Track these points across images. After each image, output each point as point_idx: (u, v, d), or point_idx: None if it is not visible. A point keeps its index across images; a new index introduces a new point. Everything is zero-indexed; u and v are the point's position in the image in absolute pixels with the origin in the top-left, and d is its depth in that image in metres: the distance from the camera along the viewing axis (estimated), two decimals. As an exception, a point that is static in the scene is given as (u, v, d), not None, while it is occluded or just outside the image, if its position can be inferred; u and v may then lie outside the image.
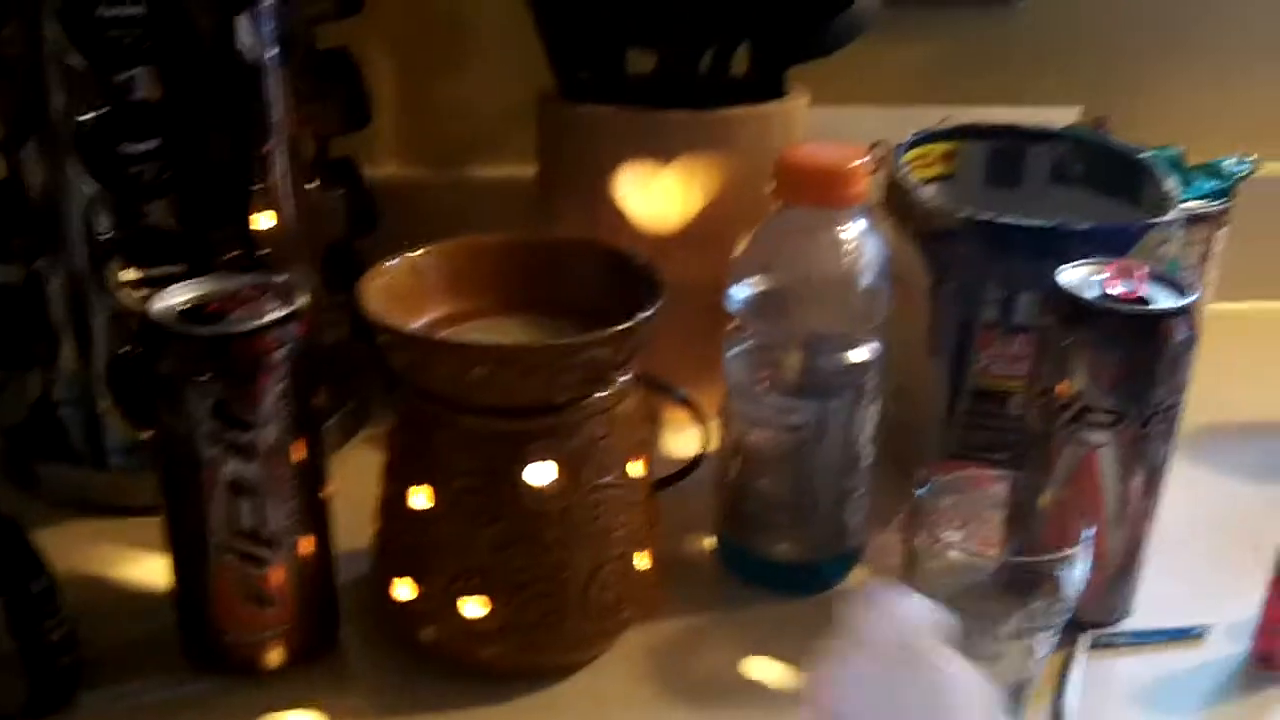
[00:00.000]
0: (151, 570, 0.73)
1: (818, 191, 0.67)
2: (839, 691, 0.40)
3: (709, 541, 0.76)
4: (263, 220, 0.77)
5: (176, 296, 0.61)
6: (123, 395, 0.75)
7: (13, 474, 0.81)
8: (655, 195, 0.83)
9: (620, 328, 0.61)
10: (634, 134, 0.83)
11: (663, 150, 0.83)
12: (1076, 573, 0.57)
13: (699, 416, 0.77)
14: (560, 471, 0.62)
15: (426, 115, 0.99)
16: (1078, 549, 0.57)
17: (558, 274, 0.69)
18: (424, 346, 0.60)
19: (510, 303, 0.68)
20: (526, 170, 0.95)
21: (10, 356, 0.81)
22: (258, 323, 0.59)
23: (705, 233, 0.83)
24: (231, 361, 0.58)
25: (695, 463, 0.76)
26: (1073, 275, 0.65)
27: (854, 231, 0.68)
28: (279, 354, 0.59)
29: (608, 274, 0.69)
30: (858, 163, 0.67)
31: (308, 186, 0.81)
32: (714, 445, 0.76)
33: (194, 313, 0.60)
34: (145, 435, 0.77)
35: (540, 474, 0.62)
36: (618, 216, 0.83)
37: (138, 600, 0.71)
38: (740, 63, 0.87)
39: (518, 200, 0.91)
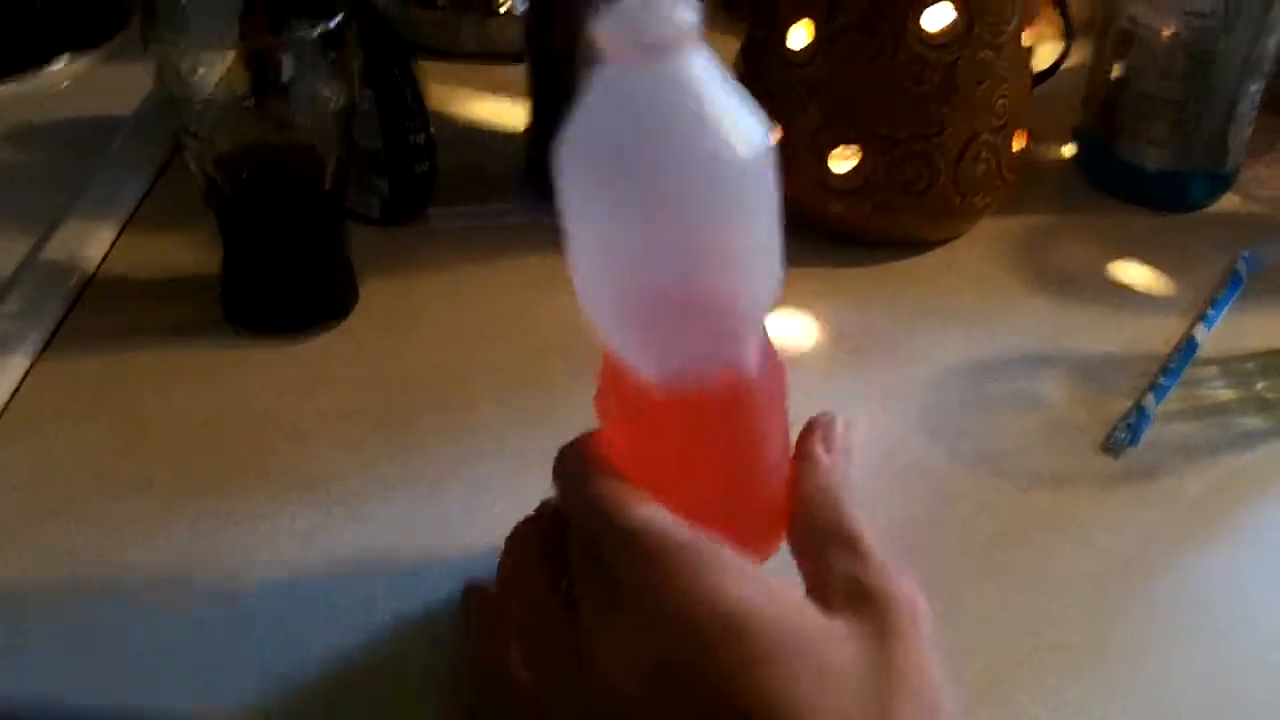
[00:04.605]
0: (496, 111, 0.72)
1: None
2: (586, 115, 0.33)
3: (1067, 148, 0.71)
4: None
5: None
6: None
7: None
8: None
9: None
10: None
11: None
12: None
13: (1067, 17, 0.70)
14: (959, 15, 0.56)
15: None
16: None
17: None
18: None
19: None
20: None
21: None
22: None
23: None
24: None
25: (1059, 64, 0.70)
26: None
27: None
28: None
29: None
30: None
31: None
32: (1075, 56, 0.70)
33: None
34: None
35: (936, 18, 0.56)
36: None
37: (484, 136, 0.71)
38: None
39: None
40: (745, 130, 0.31)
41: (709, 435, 0.36)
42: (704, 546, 0.34)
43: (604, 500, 0.36)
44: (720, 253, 0.33)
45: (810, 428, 0.40)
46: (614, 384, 0.37)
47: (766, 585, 0.34)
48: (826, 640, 0.33)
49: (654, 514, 0.35)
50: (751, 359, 0.35)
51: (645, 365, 0.35)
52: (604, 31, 0.30)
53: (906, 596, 0.34)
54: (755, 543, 0.37)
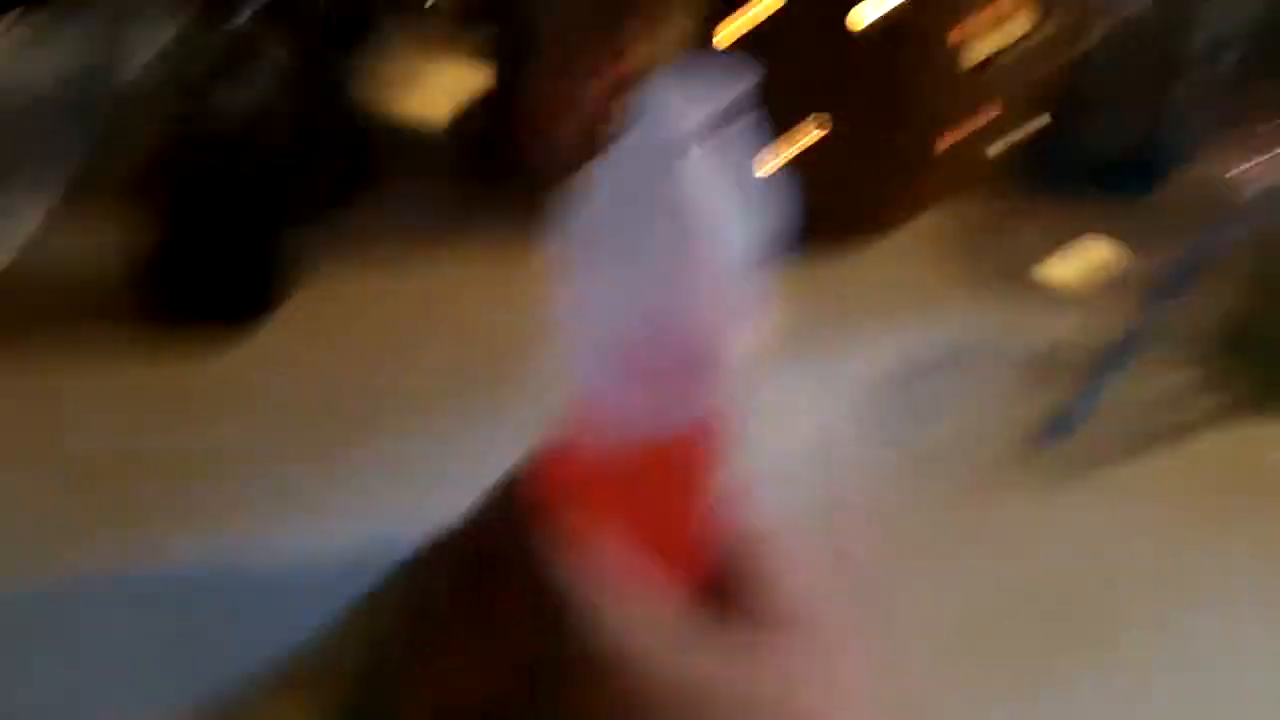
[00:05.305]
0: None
1: None
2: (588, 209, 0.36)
3: (1017, 135, 0.69)
4: None
5: None
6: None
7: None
8: None
9: None
10: None
11: None
12: None
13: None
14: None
15: None
16: None
17: None
18: None
19: None
20: None
21: None
22: None
23: None
24: None
25: (1010, 49, 0.68)
26: None
27: None
28: None
29: None
30: None
31: None
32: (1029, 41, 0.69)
33: None
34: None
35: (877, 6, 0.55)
36: None
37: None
38: None
39: None
40: (744, 235, 0.35)
41: (658, 480, 0.38)
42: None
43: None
44: (701, 337, 0.36)
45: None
46: (578, 426, 0.39)
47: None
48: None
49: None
50: (708, 420, 0.38)
51: (614, 413, 0.37)
52: (623, 129, 0.33)
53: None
54: (683, 572, 0.40)
